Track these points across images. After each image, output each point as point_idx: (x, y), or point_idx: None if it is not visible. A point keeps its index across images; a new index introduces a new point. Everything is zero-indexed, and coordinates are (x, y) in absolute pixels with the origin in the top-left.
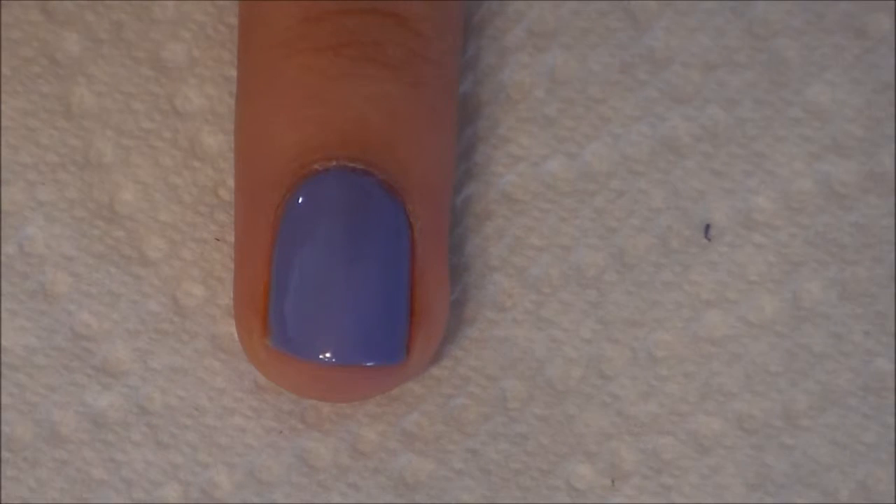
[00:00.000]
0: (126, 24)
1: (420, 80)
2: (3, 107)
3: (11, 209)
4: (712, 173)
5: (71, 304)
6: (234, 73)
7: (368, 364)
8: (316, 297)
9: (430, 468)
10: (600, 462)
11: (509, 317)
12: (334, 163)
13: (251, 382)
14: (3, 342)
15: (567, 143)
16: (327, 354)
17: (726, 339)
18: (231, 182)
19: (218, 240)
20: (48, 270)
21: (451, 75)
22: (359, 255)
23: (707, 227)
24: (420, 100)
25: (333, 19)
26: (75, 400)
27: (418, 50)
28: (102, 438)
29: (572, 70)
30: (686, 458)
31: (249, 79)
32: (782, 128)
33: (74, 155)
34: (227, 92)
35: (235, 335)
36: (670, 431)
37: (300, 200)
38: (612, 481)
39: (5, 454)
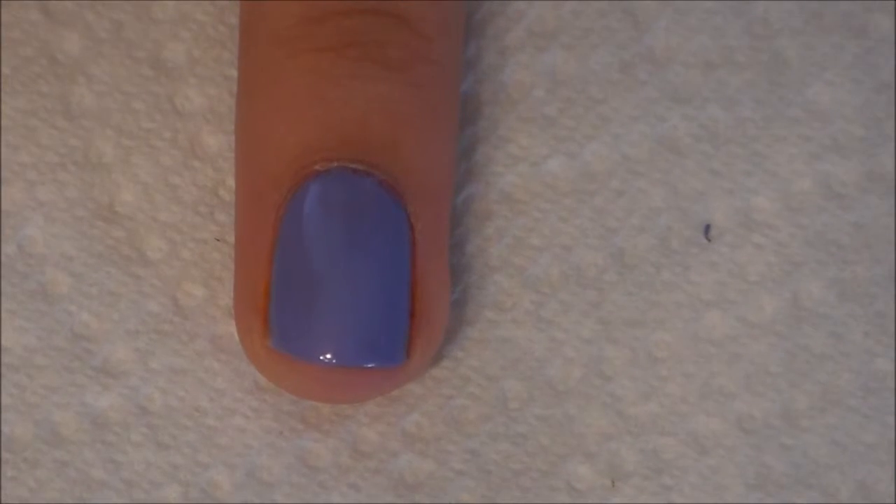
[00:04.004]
0: (126, 24)
1: (422, 81)
2: (3, 107)
3: (11, 209)
4: (712, 173)
5: (71, 304)
6: (234, 72)
7: (369, 366)
8: (317, 297)
9: (430, 468)
10: (600, 462)
11: (509, 317)
12: (335, 163)
13: (251, 383)
14: (3, 342)
15: (567, 142)
16: (327, 356)
17: (726, 339)
18: (231, 182)
19: (218, 240)
20: (48, 270)
21: (452, 76)
22: (360, 256)
23: (707, 227)
24: (421, 100)
25: (335, 20)
26: (75, 400)
27: (420, 51)
28: (102, 439)
29: (572, 70)
30: (686, 458)
31: (250, 78)
32: (782, 128)
33: (74, 155)
34: (227, 92)
35: (236, 335)
36: (670, 431)
37: (301, 201)
38: (612, 481)
39: (5, 454)
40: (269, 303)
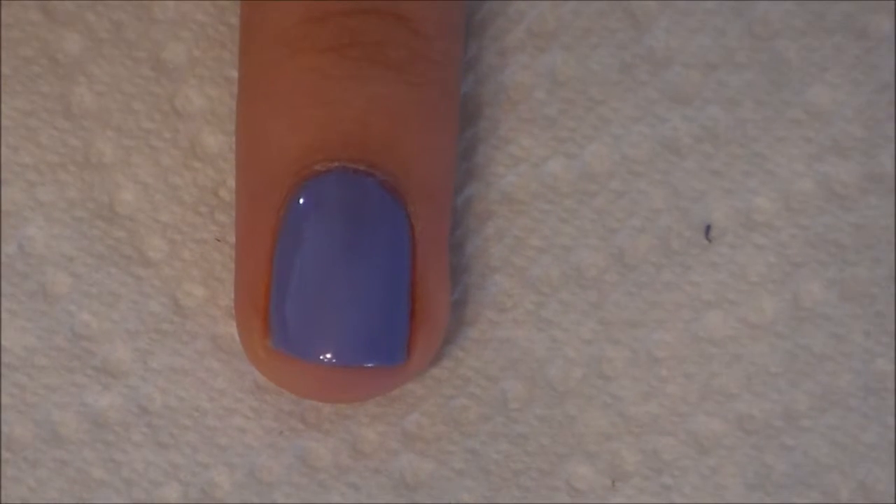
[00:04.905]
0: (126, 24)
1: (422, 81)
2: (3, 107)
3: (11, 209)
4: (712, 174)
5: (71, 305)
6: (234, 73)
7: (369, 365)
8: (317, 297)
9: (430, 468)
10: (600, 462)
11: (510, 317)
12: (336, 164)
13: (251, 383)
14: (3, 342)
15: (567, 143)
16: (328, 355)
17: (727, 339)
18: (231, 182)
19: (218, 240)
20: (48, 270)
21: (452, 75)
22: (360, 256)
23: (707, 228)
24: (422, 101)
25: (336, 20)
26: (75, 400)
27: (420, 51)
28: (102, 438)
29: (573, 70)
30: (686, 458)
31: (251, 79)
32: (782, 128)
33: (74, 155)
34: (227, 92)
35: (236, 335)
36: (670, 432)
37: (301, 201)
38: (613, 481)
39: (5, 454)
40: (269, 303)
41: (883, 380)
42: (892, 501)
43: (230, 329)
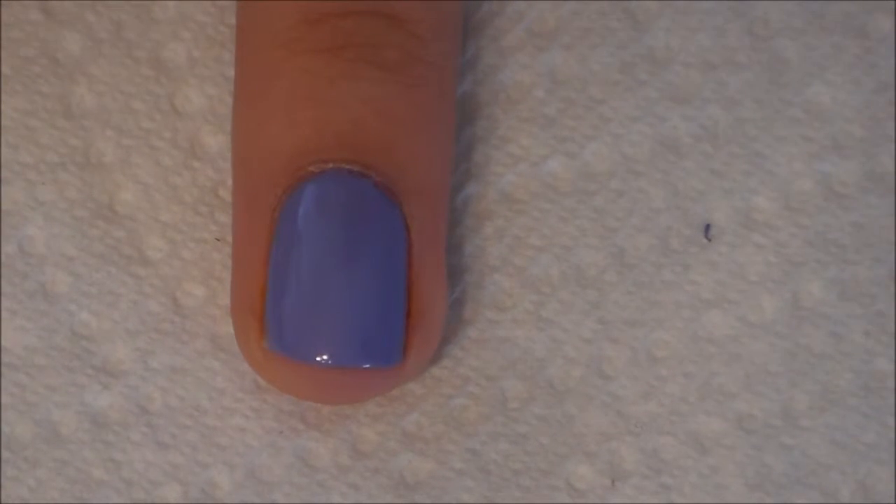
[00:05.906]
0: (126, 24)
1: (417, 82)
2: (3, 107)
3: (11, 209)
4: (712, 173)
5: (71, 304)
6: (233, 73)
7: (365, 366)
8: (312, 298)
9: (430, 468)
10: (600, 462)
11: (509, 317)
12: (331, 164)
13: (251, 383)
14: (3, 342)
15: (567, 143)
16: (324, 356)
17: (726, 339)
18: (231, 182)
19: (218, 240)
20: (48, 270)
21: (448, 76)
22: (355, 257)
23: (707, 227)
24: (417, 101)
25: (331, 21)
26: (75, 400)
27: (415, 52)
28: (102, 438)
29: (572, 70)
30: (686, 458)
31: (247, 80)
32: (782, 128)
33: (74, 155)
34: (227, 92)
35: None
36: (670, 431)
37: (297, 202)
38: (612, 481)
39: (5, 454)
40: (264, 304)
41: (883, 379)
42: (893, 501)
43: (230, 329)
